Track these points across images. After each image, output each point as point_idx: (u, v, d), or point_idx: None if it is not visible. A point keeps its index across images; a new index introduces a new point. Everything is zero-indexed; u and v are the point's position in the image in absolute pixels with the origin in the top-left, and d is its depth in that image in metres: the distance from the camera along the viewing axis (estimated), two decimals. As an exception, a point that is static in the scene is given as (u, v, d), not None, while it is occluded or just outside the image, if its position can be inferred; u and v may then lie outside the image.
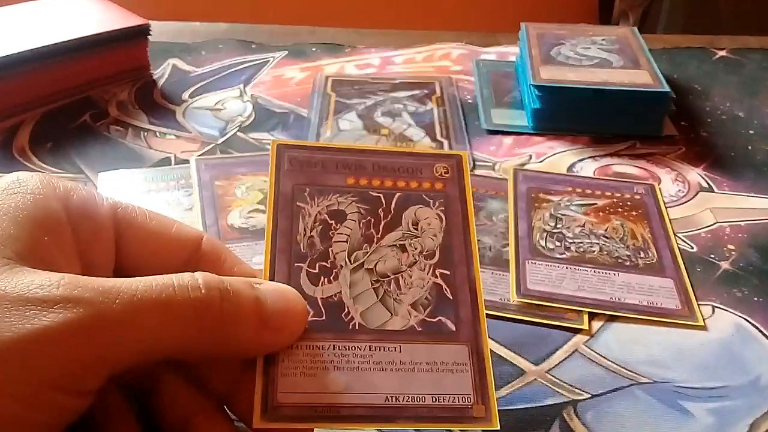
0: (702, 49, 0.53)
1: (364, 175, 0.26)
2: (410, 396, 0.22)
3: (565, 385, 0.26)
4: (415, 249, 0.25)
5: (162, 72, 0.48)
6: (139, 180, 0.37)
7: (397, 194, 0.26)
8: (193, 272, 0.20)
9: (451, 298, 0.24)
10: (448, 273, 0.24)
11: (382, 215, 0.25)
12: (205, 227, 0.33)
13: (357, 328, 0.23)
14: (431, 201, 0.26)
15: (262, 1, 1.14)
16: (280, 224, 0.25)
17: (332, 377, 0.22)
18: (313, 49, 0.51)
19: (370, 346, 0.23)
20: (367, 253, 0.25)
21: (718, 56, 0.52)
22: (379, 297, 0.24)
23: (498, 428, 0.22)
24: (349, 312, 0.23)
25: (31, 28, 0.43)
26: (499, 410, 0.25)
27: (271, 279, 0.23)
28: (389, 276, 0.24)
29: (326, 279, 0.24)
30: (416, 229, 0.25)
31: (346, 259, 0.24)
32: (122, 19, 0.45)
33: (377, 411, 0.22)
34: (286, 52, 0.51)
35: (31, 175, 0.21)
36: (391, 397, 0.22)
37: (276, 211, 0.25)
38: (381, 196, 0.26)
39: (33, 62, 0.41)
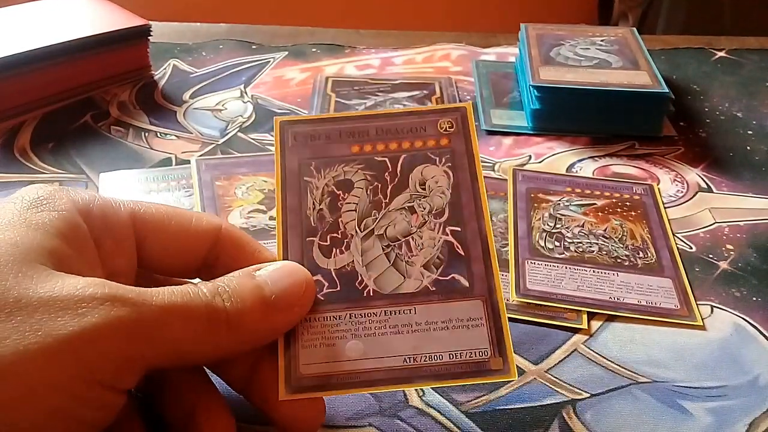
0: (701, 49, 0.53)
1: (368, 141, 0.26)
2: (427, 355, 0.22)
3: (564, 384, 0.26)
4: (424, 209, 0.25)
5: (163, 73, 0.48)
6: (140, 180, 0.37)
7: (403, 156, 0.25)
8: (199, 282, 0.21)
9: (463, 254, 0.24)
10: (459, 230, 0.24)
11: (388, 179, 0.25)
12: None
13: (372, 294, 0.23)
14: (437, 158, 0.25)
15: (262, 2, 1.14)
16: (288, 201, 0.25)
17: (350, 345, 0.22)
18: (314, 49, 0.52)
19: (385, 311, 0.23)
20: (377, 219, 0.24)
21: (716, 57, 0.52)
22: (392, 261, 0.24)
23: (516, 378, 0.22)
24: (362, 280, 0.23)
25: (32, 28, 0.43)
26: (498, 410, 0.25)
27: (285, 256, 0.24)
28: (400, 239, 0.24)
29: (338, 250, 0.24)
30: (424, 189, 0.25)
31: (356, 227, 0.24)
32: (123, 20, 0.45)
33: (395, 373, 0.22)
34: (287, 52, 0.51)
35: (51, 192, 0.21)
36: (409, 358, 0.22)
37: (284, 189, 0.25)
38: (386, 159, 0.25)
39: (34, 63, 0.41)
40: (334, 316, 0.23)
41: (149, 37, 0.46)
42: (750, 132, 0.44)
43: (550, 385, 0.26)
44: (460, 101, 0.46)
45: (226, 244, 0.24)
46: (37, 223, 0.20)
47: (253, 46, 0.52)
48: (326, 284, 0.23)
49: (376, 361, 0.22)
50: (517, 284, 0.30)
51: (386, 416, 0.25)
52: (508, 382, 0.23)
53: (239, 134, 0.42)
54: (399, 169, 0.25)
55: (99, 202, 0.22)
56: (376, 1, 1.20)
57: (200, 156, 0.39)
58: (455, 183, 0.25)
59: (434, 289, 0.23)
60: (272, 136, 0.42)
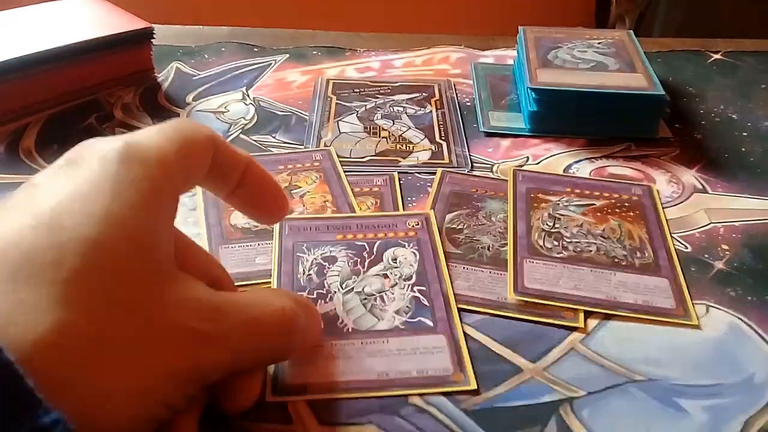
0: (697, 52, 0.54)
1: (350, 232, 0.32)
2: (398, 371, 0.26)
3: (561, 382, 0.27)
4: (396, 276, 0.30)
5: (166, 75, 0.48)
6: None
7: (378, 241, 0.31)
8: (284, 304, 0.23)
9: (427, 304, 0.29)
10: (424, 288, 0.29)
11: (366, 256, 0.31)
12: (208, 227, 0.34)
13: (350, 331, 0.27)
14: (406, 243, 0.31)
15: (263, 5, 1.14)
16: (283, 268, 0.30)
17: (331, 364, 0.26)
18: (314, 52, 0.52)
19: (362, 342, 0.27)
20: (356, 281, 0.30)
21: (712, 59, 0.53)
22: (368, 309, 0.28)
23: (475, 387, 0.26)
24: (343, 321, 0.28)
25: (37, 31, 0.44)
26: (496, 407, 0.26)
27: None
28: (375, 295, 0.29)
29: (322, 301, 0.29)
30: (395, 263, 0.31)
31: (339, 286, 0.29)
32: (126, 23, 0.46)
33: (370, 384, 0.26)
34: (288, 55, 0.51)
35: (135, 140, 0.21)
36: (382, 373, 0.26)
37: (280, 260, 0.31)
38: (365, 243, 0.31)
39: (39, 65, 0.42)
40: (318, 345, 0.27)
41: (152, 40, 0.47)
42: (745, 134, 0.44)
43: (548, 383, 0.27)
44: (459, 104, 0.46)
45: (254, 173, 0.26)
46: (140, 201, 0.20)
47: (255, 49, 0.52)
48: None
49: (352, 375, 0.26)
50: (515, 282, 0.31)
51: (386, 414, 0.25)
52: (470, 390, 0.26)
53: (241, 136, 0.42)
54: (375, 249, 0.31)
55: (161, 155, 0.22)
56: (376, 4, 1.21)
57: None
58: (420, 259, 0.31)
59: (404, 327, 0.28)
60: (274, 137, 0.42)
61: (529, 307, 0.30)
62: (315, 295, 0.29)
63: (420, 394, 0.25)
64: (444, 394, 0.25)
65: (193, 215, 0.35)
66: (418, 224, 0.32)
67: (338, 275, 0.30)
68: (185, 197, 0.36)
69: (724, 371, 0.27)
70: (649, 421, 0.25)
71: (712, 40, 0.56)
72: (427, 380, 0.25)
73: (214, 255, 0.32)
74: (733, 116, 0.46)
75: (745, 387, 0.27)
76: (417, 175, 0.39)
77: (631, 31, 0.50)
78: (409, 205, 0.36)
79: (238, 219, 0.34)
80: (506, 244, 0.33)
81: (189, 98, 0.46)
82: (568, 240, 0.34)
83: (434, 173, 0.39)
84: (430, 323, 0.28)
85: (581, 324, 0.29)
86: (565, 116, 0.43)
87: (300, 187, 0.36)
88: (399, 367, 0.26)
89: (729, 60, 0.53)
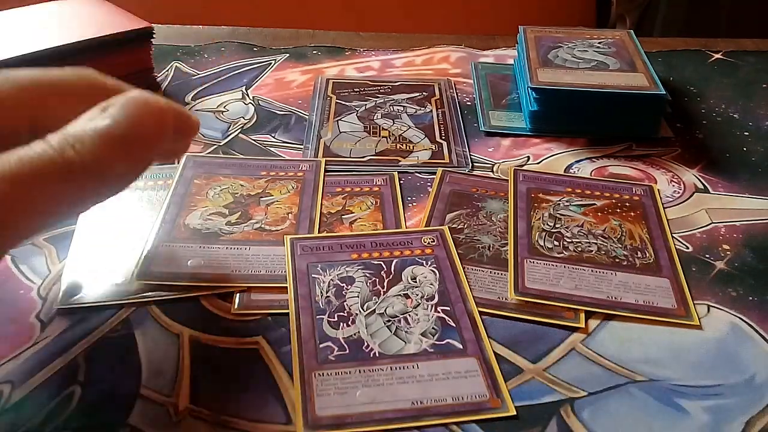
0: (697, 51, 0.54)
1: (365, 251, 0.31)
2: (432, 399, 0.25)
3: (562, 383, 0.27)
4: (417, 295, 0.29)
5: (165, 75, 0.48)
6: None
7: (395, 260, 0.31)
8: (45, 136, 0.20)
9: (454, 325, 0.28)
10: (449, 308, 0.29)
11: (384, 276, 0.30)
12: (161, 223, 0.33)
13: (377, 356, 0.27)
14: (424, 261, 0.31)
15: (263, 4, 1.14)
16: (300, 291, 0.29)
17: (362, 392, 0.25)
18: (314, 52, 0.52)
19: (390, 367, 0.26)
20: (377, 302, 0.29)
21: (713, 59, 0.53)
22: (393, 332, 0.28)
23: (515, 413, 0.25)
24: (368, 345, 0.27)
25: (36, 31, 0.44)
26: (497, 407, 0.25)
27: (298, 331, 0.27)
28: (398, 316, 0.28)
29: (344, 324, 0.28)
30: (415, 282, 0.30)
31: (360, 308, 0.29)
32: (126, 22, 0.46)
33: (405, 413, 0.24)
34: (288, 54, 0.51)
35: None
36: (416, 401, 0.25)
37: (295, 281, 0.30)
38: (382, 262, 0.31)
39: (37, 65, 0.42)
40: (345, 371, 0.26)
41: (152, 40, 0.47)
42: (746, 133, 0.44)
43: (548, 384, 0.27)
44: (459, 103, 0.46)
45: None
46: None
47: (255, 49, 0.52)
48: (336, 348, 0.27)
49: (385, 404, 0.25)
50: (516, 282, 0.31)
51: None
52: (508, 417, 0.25)
53: (241, 135, 0.42)
54: (393, 268, 0.30)
55: None
56: (376, 3, 1.21)
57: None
58: (441, 277, 0.30)
59: (432, 350, 0.27)
60: (273, 137, 0.42)
61: (529, 307, 0.30)
62: (336, 318, 0.28)
63: (458, 423, 0.24)
64: (483, 421, 0.25)
65: (153, 212, 0.34)
66: (433, 241, 0.32)
67: (358, 296, 0.29)
68: (153, 192, 0.35)
69: (725, 372, 0.27)
70: (649, 422, 0.25)
71: (713, 39, 0.55)
72: (463, 407, 0.25)
73: (155, 250, 0.31)
74: (735, 116, 0.46)
75: (747, 387, 0.27)
76: (417, 174, 0.39)
77: (632, 31, 0.50)
78: (410, 204, 0.36)
79: (194, 219, 0.34)
80: (507, 244, 0.33)
81: (188, 98, 0.46)
82: (569, 240, 0.34)
83: (434, 173, 0.39)
84: (459, 345, 0.27)
85: (582, 324, 0.29)
86: (565, 116, 0.43)
87: (271, 195, 0.36)
88: (432, 394, 0.25)
89: (730, 60, 0.53)
